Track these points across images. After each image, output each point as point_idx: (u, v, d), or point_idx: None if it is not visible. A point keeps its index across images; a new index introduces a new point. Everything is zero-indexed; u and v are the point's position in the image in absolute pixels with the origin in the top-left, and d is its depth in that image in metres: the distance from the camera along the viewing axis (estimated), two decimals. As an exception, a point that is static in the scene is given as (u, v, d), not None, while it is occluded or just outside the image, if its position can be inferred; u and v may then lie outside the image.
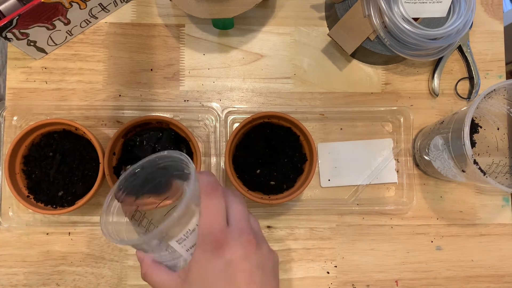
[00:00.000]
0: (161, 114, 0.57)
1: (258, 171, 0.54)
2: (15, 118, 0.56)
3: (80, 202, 0.50)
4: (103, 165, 0.51)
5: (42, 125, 0.52)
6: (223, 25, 0.58)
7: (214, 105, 0.59)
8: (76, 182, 0.53)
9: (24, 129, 0.51)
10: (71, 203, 0.52)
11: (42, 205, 0.52)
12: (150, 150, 0.54)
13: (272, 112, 0.53)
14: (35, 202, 0.52)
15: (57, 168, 0.52)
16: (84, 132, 0.51)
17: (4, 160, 0.50)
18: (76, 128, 0.52)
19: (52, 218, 0.56)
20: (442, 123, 0.54)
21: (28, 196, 0.52)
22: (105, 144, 0.53)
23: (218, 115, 0.58)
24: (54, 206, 0.52)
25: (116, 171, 0.53)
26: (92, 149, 0.52)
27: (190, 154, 0.54)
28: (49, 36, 0.56)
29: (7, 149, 0.51)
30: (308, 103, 0.60)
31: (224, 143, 0.57)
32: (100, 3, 0.56)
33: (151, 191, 0.53)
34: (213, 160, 0.58)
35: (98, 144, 0.51)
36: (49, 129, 0.53)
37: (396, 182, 0.60)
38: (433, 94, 0.61)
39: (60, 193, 0.52)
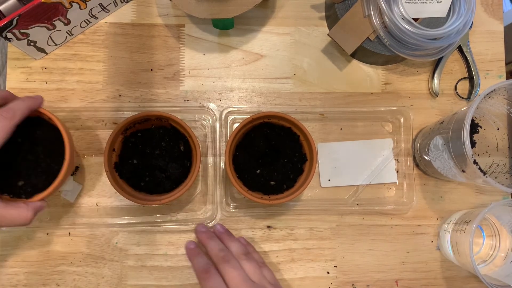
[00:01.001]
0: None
1: (258, 171, 0.54)
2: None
3: (39, 196, 0.47)
4: (68, 162, 0.48)
5: None
6: (223, 25, 0.58)
7: (211, 105, 0.59)
8: (40, 174, 0.49)
9: None
10: (29, 195, 0.48)
11: None
12: (150, 146, 0.54)
13: (272, 112, 0.53)
14: None
15: (24, 155, 0.49)
16: (56, 124, 0.48)
17: None
18: (50, 118, 0.49)
19: (50, 220, 0.56)
20: (442, 123, 0.54)
21: None
22: (104, 144, 0.52)
23: (215, 115, 0.58)
24: (11, 195, 0.49)
25: (117, 167, 0.53)
26: (62, 143, 0.49)
27: (189, 150, 0.54)
28: (49, 36, 0.56)
29: None
30: (308, 103, 0.60)
31: (224, 143, 0.57)
32: (100, 3, 0.56)
33: (151, 190, 0.54)
34: (210, 160, 0.58)
35: (67, 138, 0.48)
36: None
37: (396, 182, 0.60)
38: (433, 94, 0.61)
39: (20, 183, 0.48)
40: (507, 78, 0.63)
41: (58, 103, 0.58)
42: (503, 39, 0.63)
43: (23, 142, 0.50)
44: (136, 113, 0.52)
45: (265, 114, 0.53)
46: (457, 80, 0.62)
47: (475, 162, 0.45)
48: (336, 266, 0.58)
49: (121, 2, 0.59)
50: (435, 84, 0.61)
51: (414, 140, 0.60)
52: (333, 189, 0.59)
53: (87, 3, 0.54)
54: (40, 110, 0.49)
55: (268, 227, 0.58)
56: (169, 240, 0.57)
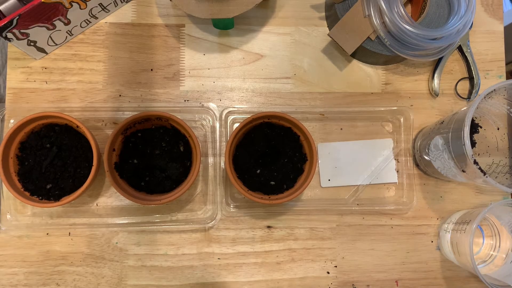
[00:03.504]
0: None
1: (258, 171, 0.54)
2: (11, 121, 0.56)
3: (67, 199, 0.50)
4: (96, 167, 0.51)
5: (46, 116, 0.52)
6: (223, 25, 0.58)
7: (211, 105, 0.59)
8: (67, 178, 0.53)
9: (29, 116, 0.51)
10: (57, 198, 0.52)
11: (28, 194, 0.52)
12: (150, 146, 0.54)
13: (272, 112, 0.53)
14: (22, 190, 0.52)
15: (51, 160, 0.52)
16: (84, 132, 0.52)
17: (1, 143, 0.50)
18: (77, 126, 0.52)
19: (50, 220, 0.56)
20: (442, 123, 0.54)
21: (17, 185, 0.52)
22: (104, 144, 0.53)
23: (215, 115, 0.58)
24: (40, 197, 0.52)
25: (117, 167, 0.53)
26: (89, 150, 0.53)
27: (189, 150, 0.54)
28: (49, 36, 0.56)
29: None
30: (308, 103, 0.60)
31: (224, 143, 0.57)
32: (100, 3, 0.56)
33: (152, 190, 0.54)
34: (210, 160, 0.58)
35: (95, 146, 0.51)
36: (51, 121, 0.53)
37: (396, 182, 0.60)
38: (433, 94, 0.61)
39: (48, 186, 0.52)
40: (507, 78, 0.63)
41: (58, 103, 0.58)
42: (503, 39, 0.63)
43: (50, 148, 0.53)
44: (136, 113, 0.52)
45: (265, 114, 0.53)
46: (457, 80, 0.62)
47: (475, 162, 0.45)
48: (336, 266, 0.58)
49: (121, 2, 0.59)
50: (435, 84, 0.61)
51: (414, 140, 0.60)
52: (333, 189, 0.59)
53: (87, 3, 0.54)
54: (69, 119, 0.52)
55: (268, 227, 0.58)
56: (169, 240, 0.57)
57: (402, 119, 0.60)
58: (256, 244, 0.57)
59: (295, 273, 0.57)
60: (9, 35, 0.51)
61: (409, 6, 0.62)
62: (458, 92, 0.62)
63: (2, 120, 0.56)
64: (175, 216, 0.57)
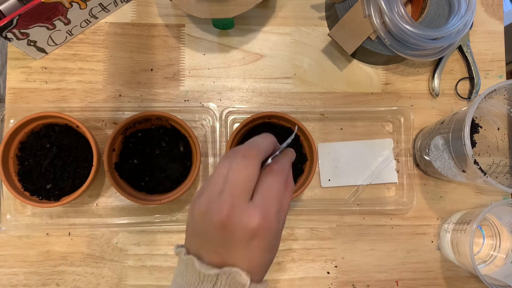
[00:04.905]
0: (161, 114, 0.57)
1: (258, 171, 0.54)
2: (11, 121, 0.56)
3: (67, 199, 0.51)
4: (96, 168, 0.51)
5: (46, 116, 0.52)
6: (223, 25, 0.58)
7: (211, 105, 0.59)
8: (67, 178, 0.53)
9: (29, 116, 0.51)
10: (57, 198, 0.52)
11: (28, 194, 0.52)
12: (150, 146, 0.54)
13: (272, 112, 0.53)
14: (22, 190, 0.52)
15: (51, 160, 0.52)
16: (84, 132, 0.52)
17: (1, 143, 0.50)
18: (77, 126, 0.52)
19: (50, 220, 0.56)
20: (442, 123, 0.54)
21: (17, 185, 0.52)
22: (104, 144, 0.53)
23: (215, 115, 0.58)
24: (40, 198, 0.52)
25: (117, 167, 0.53)
26: (89, 150, 0.53)
27: (189, 150, 0.54)
28: (49, 36, 0.56)
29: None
30: (308, 103, 0.60)
31: (224, 143, 0.57)
32: (100, 3, 0.56)
33: (151, 190, 0.54)
34: (211, 160, 0.58)
35: (95, 146, 0.51)
36: (51, 121, 0.53)
37: (396, 182, 0.60)
38: (433, 94, 0.61)
39: (48, 186, 0.52)
40: (508, 78, 0.63)
41: (58, 103, 0.58)
42: (503, 39, 0.63)
43: (50, 148, 0.53)
44: (136, 113, 0.52)
45: (265, 114, 0.53)
46: (457, 80, 0.62)
47: (475, 162, 0.45)
48: (336, 266, 0.58)
49: (121, 2, 0.59)
50: (436, 84, 0.61)
51: (415, 140, 0.60)
52: (333, 189, 0.59)
53: (87, 3, 0.54)
54: (68, 119, 0.52)
55: (268, 227, 0.58)
56: (169, 240, 0.57)
57: (402, 119, 0.60)
58: (256, 244, 0.57)
59: (295, 273, 0.57)
60: (9, 35, 0.51)
61: (409, 6, 0.62)
62: (458, 92, 0.62)
63: (2, 120, 0.56)
64: (175, 216, 0.57)
